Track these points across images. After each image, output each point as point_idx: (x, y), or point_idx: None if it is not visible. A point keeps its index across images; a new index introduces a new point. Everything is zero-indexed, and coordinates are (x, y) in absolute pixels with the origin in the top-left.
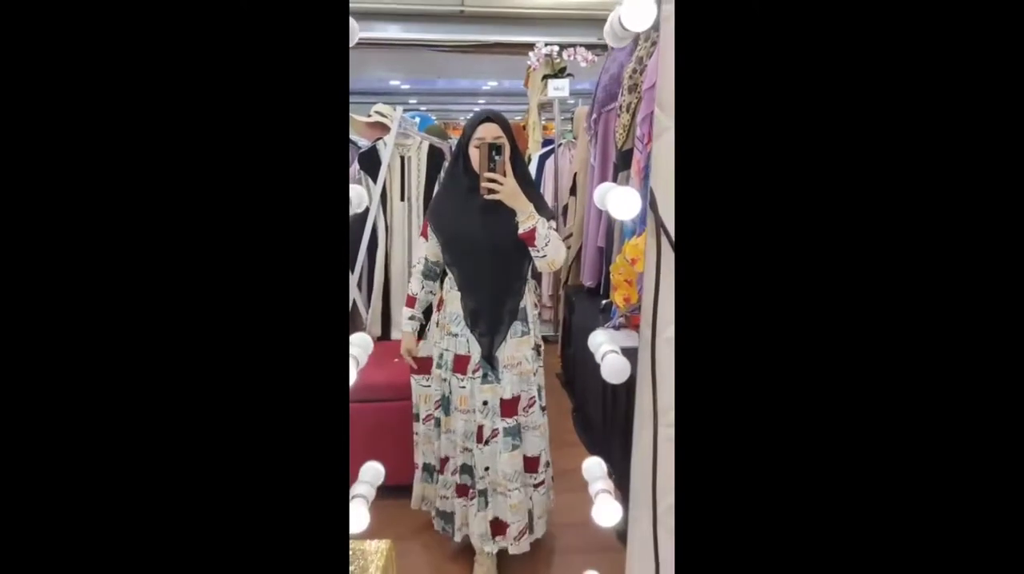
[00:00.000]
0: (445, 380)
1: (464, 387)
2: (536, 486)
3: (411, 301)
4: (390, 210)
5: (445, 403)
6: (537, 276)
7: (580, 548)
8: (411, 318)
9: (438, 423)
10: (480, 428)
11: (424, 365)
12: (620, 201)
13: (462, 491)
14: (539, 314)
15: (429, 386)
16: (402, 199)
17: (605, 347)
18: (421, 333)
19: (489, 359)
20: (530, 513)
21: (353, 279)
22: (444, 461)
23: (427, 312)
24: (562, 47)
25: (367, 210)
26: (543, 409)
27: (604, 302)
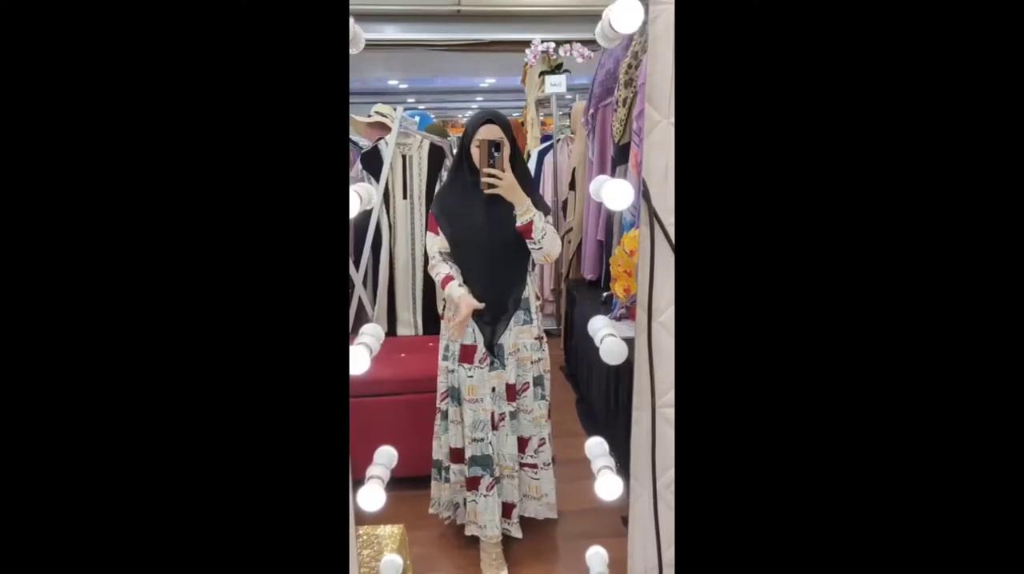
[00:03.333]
0: (452, 371)
1: (472, 377)
2: (522, 466)
3: (450, 278)
4: (393, 208)
5: (455, 394)
6: (538, 269)
7: (586, 533)
8: (460, 285)
9: (445, 415)
10: (492, 414)
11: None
12: (614, 192)
13: (472, 484)
14: (541, 306)
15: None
16: (404, 197)
17: (604, 331)
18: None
19: (492, 347)
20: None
21: (359, 277)
22: (456, 451)
23: (433, 313)
24: (558, 43)
25: (371, 208)
26: (544, 398)
27: (605, 294)
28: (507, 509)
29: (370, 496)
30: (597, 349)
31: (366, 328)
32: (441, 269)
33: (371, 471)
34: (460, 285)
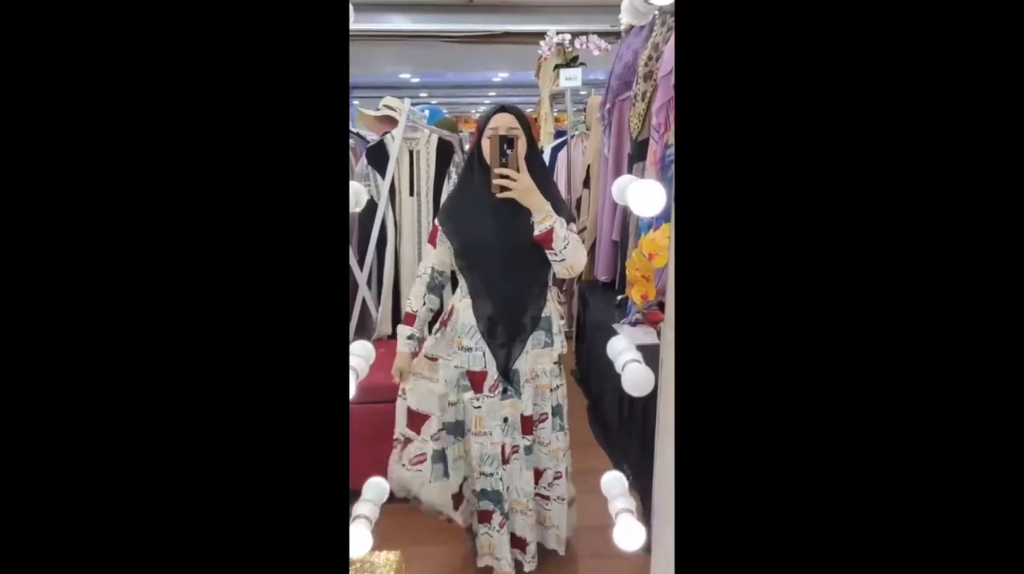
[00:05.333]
0: (453, 403)
1: (479, 407)
2: (538, 497)
3: (411, 319)
4: (399, 205)
5: (456, 429)
6: (559, 281)
7: (603, 553)
8: (410, 338)
9: (441, 457)
10: (502, 447)
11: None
12: (642, 196)
13: (484, 517)
14: (564, 323)
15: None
16: (411, 194)
17: (626, 356)
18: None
19: (506, 373)
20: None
21: (363, 277)
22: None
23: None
24: (574, 35)
25: (375, 206)
26: (563, 429)
27: (620, 297)
28: (519, 542)
29: (355, 539)
30: (609, 352)
31: (354, 347)
32: (413, 301)
33: (358, 509)
34: (411, 337)
